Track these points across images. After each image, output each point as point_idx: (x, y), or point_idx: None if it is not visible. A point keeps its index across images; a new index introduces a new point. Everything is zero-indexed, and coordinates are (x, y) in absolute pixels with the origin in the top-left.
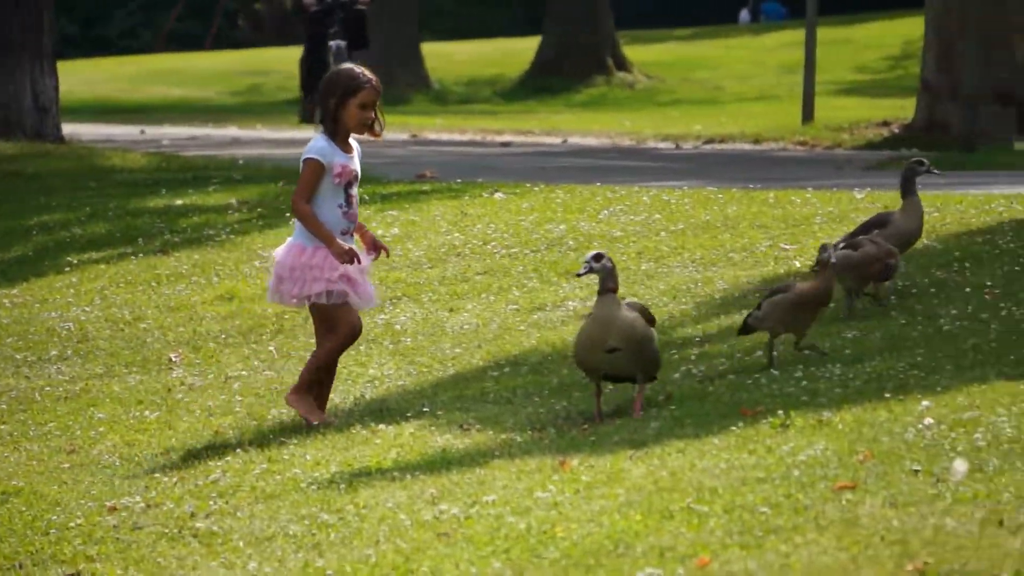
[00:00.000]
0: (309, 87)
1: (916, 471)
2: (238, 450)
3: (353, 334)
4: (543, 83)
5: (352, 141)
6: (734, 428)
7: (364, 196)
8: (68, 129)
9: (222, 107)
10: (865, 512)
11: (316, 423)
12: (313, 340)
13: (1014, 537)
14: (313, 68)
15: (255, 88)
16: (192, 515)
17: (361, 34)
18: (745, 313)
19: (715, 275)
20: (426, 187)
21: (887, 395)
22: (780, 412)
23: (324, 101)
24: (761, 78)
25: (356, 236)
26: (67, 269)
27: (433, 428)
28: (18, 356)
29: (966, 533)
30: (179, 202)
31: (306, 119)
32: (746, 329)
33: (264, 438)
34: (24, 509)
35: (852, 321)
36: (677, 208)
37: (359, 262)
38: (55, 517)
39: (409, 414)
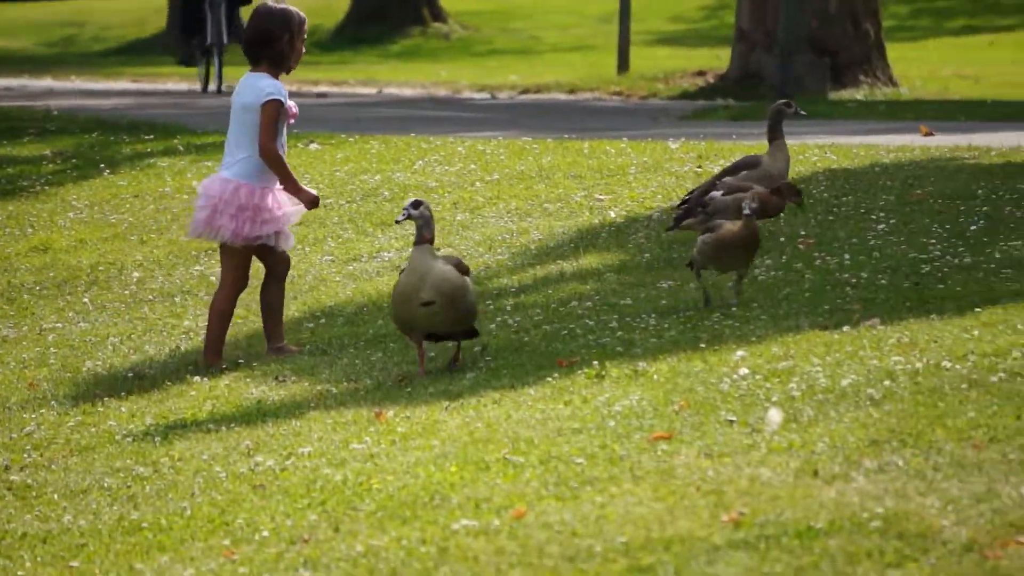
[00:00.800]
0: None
1: (731, 421)
2: (52, 402)
3: (288, 267)
4: (359, 34)
5: None
6: (550, 379)
7: (179, 147)
8: None
9: (37, 57)
10: (680, 462)
11: (296, 351)
12: (127, 292)
13: (828, 487)
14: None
15: (70, 39)
16: (6, 468)
17: None
18: (560, 264)
19: (530, 225)
20: None
21: (702, 345)
22: (596, 363)
23: (274, 39)
24: (578, 28)
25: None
26: None
27: (248, 380)
28: None
29: (781, 483)
30: None
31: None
32: (693, 268)
33: (79, 390)
34: None
35: (666, 271)
36: (492, 158)
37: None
38: None
39: (224, 365)
